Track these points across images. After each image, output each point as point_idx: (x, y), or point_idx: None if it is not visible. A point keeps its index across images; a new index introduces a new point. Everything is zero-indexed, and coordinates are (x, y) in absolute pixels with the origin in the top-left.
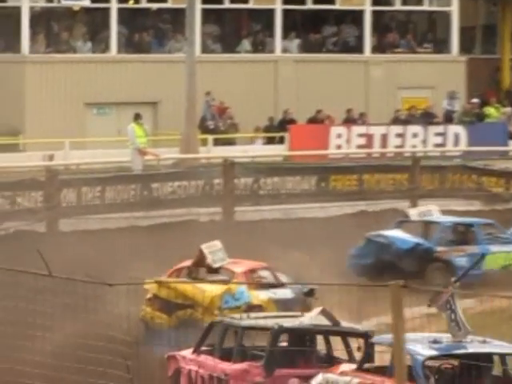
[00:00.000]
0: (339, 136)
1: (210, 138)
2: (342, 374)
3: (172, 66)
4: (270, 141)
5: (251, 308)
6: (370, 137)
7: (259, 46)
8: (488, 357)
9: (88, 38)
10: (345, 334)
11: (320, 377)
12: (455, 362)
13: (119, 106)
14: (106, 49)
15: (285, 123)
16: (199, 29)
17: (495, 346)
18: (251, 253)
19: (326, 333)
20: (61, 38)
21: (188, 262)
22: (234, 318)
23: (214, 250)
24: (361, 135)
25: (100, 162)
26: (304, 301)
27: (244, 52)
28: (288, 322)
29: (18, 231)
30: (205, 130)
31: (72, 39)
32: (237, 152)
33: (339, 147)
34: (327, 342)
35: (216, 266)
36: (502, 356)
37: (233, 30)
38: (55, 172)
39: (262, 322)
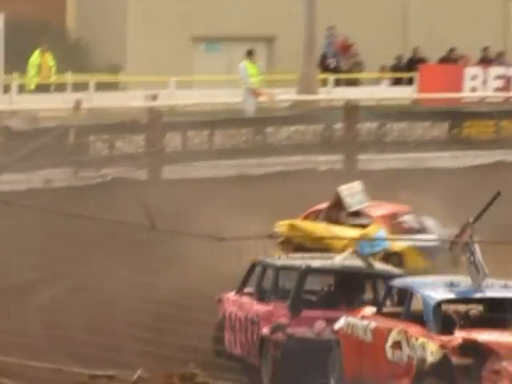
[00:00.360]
0: (474, 77)
1: (331, 77)
2: (363, 317)
3: None
4: (397, 82)
5: (389, 255)
6: (508, 79)
7: None
8: (508, 301)
9: None
10: (376, 277)
11: (343, 320)
12: (479, 307)
13: (230, 42)
14: None
15: (414, 62)
16: None
17: (510, 290)
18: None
19: (356, 274)
20: None
21: (325, 205)
22: (272, 258)
23: (352, 193)
24: (498, 77)
25: (208, 103)
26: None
27: None
28: (319, 263)
29: (117, 179)
30: (325, 68)
31: None
32: (360, 94)
33: (474, 90)
34: (374, 286)
35: (353, 209)
36: None
37: None
38: (159, 113)
39: (295, 263)
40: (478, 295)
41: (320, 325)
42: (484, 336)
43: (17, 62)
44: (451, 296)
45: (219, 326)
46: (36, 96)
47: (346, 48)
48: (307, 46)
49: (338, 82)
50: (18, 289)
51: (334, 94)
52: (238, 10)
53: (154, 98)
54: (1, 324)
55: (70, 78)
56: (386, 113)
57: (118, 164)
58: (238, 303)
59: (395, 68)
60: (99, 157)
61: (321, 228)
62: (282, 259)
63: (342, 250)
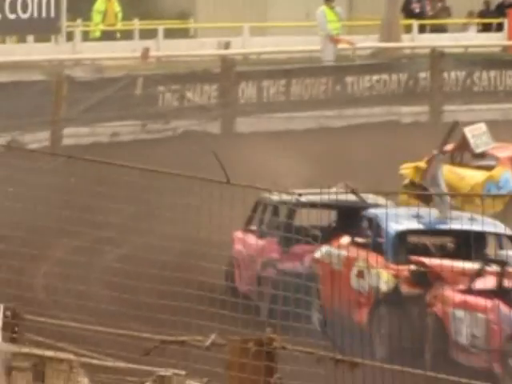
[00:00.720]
0: None
1: (415, 23)
2: (339, 247)
3: None
4: (485, 28)
5: None
6: None
7: None
8: (474, 234)
9: None
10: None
11: (323, 249)
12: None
13: None
14: None
15: (503, 7)
16: None
17: (481, 224)
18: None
19: (350, 209)
20: None
21: (450, 146)
22: (272, 195)
23: (477, 134)
24: None
25: (285, 51)
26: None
27: None
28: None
29: (188, 131)
30: (409, 14)
31: None
32: (447, 41)
33: None
34: None
35: (478, 150)
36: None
37: None
38: (232, 62)
39: (288, 198)
40: (440, 227)
41: (309, 259)
42: (432, 262)
43: (80, 7)
44: (411, 227)
45: (229, 266)
46: (101, 44)
47: None
48: None
49: (422, 29)
50: (83, 249)
51: (418, 41)
52: None
53: (227, 45)
54: (65, 286)
55: (137, 24)
56: (473, 61)
57: (188, 116)
58: (243, 241)
59: (483, 13)
60: (169, 108)
61: (445, 170)
62: (278, 195)
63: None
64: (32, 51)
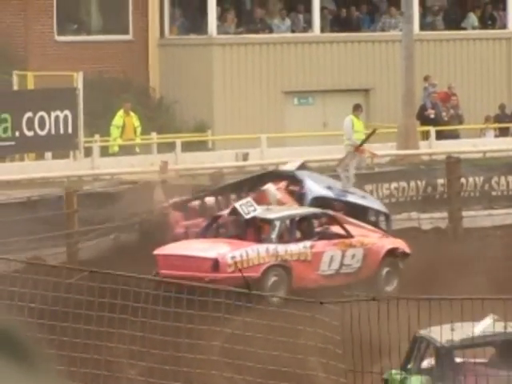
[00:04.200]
0: None
1: (432, 130)
2: None
3: (386, 46)
4: (503, 133)
5: None
6: None
7: (489, 21)
8: (357, 206)
9: (286, 15)
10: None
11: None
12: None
13: (324, 95)
14: (308, 27)
15: None
16: (417, 1)
17: (365, 200)
18: (482, 266)
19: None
20: (254, 16)
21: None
22: None
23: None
24: None
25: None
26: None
27: (471, 28)
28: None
29: None
30: (425, 120)
31: (267, 16)
32: (464, 146)
33: None
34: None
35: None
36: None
37: (457, 2)
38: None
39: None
40: (339, 198)
41: None
42: None
43: (98, 123)
44: (322, 194)
45: None
46: (119, 159)
47: (447, 97)
48: (405, 97)
49: (439, 135)
50: (101, 362)
51: (435, 148)
52: (331, 60)
53: (245, 157)
54: None
55: (154, 138)
56: (491, 166)
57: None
58: None
59: (500, 118)
60: None
61: None
62: None
63: None
64: (50, 168)
